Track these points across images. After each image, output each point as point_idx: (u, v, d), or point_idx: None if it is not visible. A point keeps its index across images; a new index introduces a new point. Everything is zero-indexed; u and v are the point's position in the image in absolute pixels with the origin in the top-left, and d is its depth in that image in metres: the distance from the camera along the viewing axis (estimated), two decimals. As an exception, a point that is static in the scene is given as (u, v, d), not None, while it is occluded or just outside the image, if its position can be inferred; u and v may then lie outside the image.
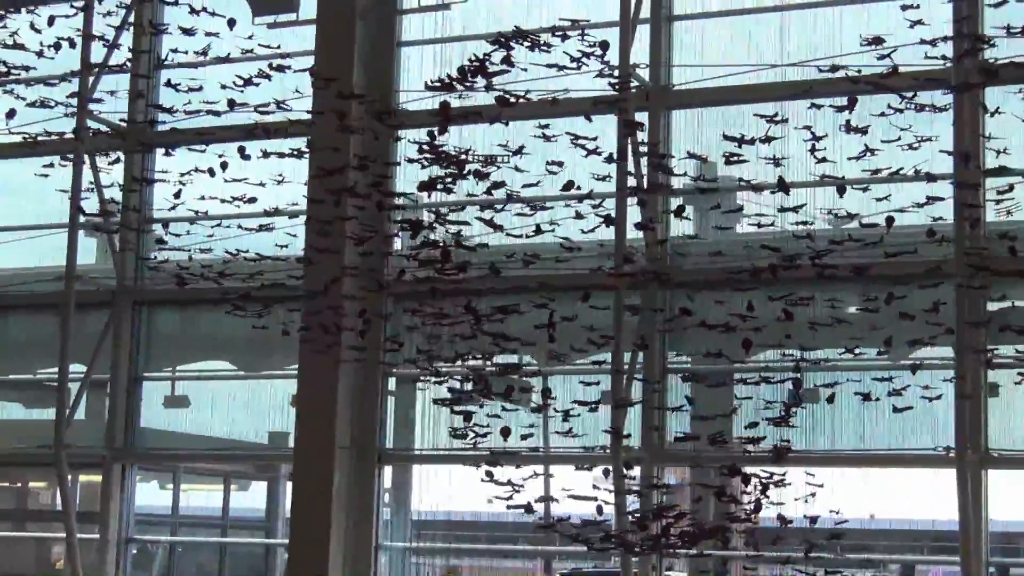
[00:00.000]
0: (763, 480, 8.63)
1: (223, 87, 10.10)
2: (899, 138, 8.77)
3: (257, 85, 10.01)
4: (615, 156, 9.09)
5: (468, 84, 8.99)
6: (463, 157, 8.87)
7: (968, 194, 8.71)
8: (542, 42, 9.22)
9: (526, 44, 9.12)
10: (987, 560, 9.18)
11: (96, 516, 11.13)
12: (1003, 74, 8.73)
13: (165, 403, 11.43)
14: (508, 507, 8.82)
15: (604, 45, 9.15)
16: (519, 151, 9.03)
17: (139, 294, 11.01)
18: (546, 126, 9.18)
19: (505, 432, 8.66)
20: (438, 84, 9.00)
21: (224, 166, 9.80)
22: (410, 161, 9.22)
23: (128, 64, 11.10)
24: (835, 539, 8.73)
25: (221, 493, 13.52)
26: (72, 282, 10.81)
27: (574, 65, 9.32)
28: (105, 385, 11.28)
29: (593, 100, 9.23)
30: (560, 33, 9.30)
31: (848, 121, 8.79)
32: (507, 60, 8.88)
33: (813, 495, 8.60)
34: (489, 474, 8.78)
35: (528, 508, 8.66)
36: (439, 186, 8.94)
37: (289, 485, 12.07)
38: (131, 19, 11.19)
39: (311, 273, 9.39)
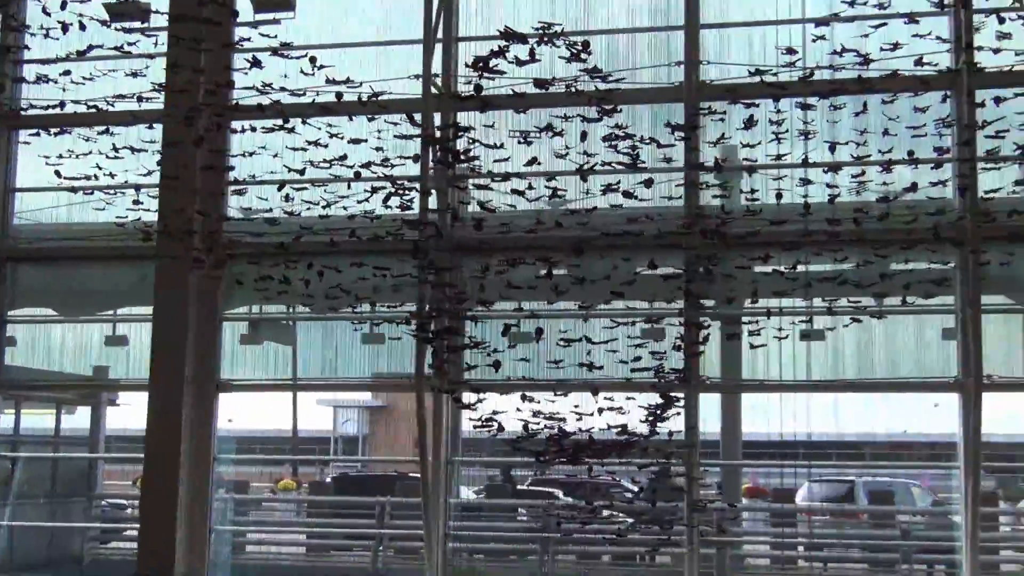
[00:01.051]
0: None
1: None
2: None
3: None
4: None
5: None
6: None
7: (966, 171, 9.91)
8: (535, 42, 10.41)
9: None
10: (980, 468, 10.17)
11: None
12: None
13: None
14: (475, 427, 10.48)
15: (585, 44, 10.41)
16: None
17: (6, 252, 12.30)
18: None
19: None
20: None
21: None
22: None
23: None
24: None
25: (53, 416, 15.14)
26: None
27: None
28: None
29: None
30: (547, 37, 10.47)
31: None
32: (532, 53, 10.29)
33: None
34: (457, 400, 10.58)
35: (500, 427, 10.27)
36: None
37: (109, 410, 14.01)
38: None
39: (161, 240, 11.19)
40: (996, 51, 10.19)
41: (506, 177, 10.73)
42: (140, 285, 12.05)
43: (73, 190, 11.97)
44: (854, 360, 10.83)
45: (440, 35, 11.27)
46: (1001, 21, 10.15)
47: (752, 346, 10.52)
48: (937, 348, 10.71)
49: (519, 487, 18.08)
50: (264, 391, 12.69)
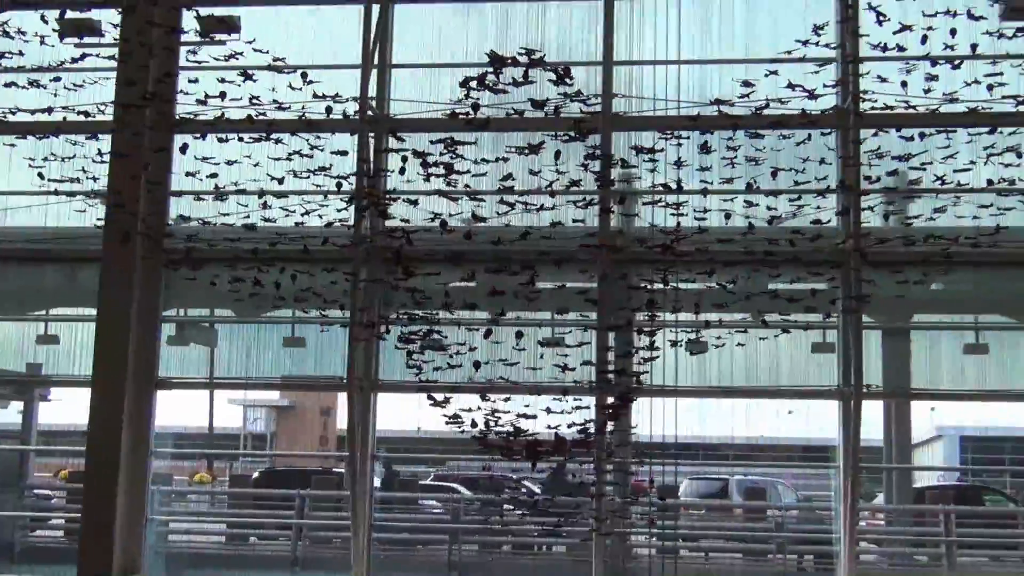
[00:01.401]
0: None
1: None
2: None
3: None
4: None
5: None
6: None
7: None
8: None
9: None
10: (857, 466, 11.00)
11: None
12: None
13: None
14: (446, 423, 10.89)
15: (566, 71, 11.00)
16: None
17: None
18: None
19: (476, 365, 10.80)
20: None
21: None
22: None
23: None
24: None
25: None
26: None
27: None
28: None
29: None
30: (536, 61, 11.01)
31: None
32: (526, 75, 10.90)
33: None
34: (431, 398, 10.86)
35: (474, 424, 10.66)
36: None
37: (40, 405, 14.55)
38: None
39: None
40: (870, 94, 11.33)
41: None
42: (69, 286, 12.89)
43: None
44: (742, 370, 11.82)
45: (375, 60, 12.13)
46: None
47: (644, 360, 11.20)
48: (808, 360, 11.81)
49: (421, 482, 19.11)
50: (199, 389, 13.45)
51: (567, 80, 11.15)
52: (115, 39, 12.29)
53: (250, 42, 12.12)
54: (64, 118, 12.33)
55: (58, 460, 17.16)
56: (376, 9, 12.15)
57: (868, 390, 11.38)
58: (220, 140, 12.14)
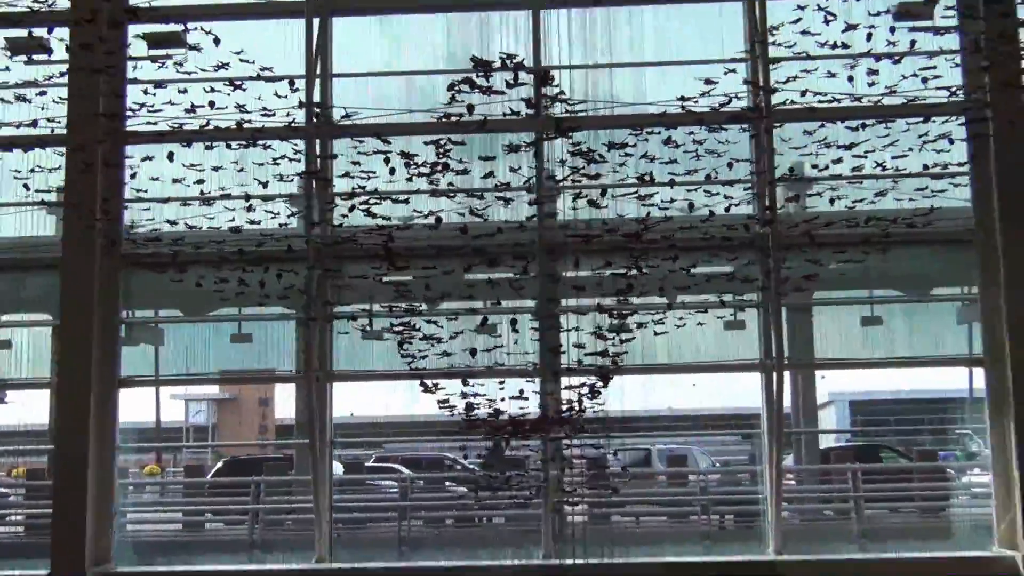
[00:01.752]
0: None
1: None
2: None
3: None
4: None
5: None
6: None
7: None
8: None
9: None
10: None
11: None
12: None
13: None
14: (440, 407, 11.91)
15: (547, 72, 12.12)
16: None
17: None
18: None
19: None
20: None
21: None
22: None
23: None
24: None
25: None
26: None
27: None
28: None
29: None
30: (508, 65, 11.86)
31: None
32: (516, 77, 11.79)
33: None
34: (424, 385, 11.88)
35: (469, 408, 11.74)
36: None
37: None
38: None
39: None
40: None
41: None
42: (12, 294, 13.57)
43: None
44: (665, 347, 12.72)
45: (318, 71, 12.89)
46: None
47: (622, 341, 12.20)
48: (723, 335, 12.78)
49: (366, 464, 20.00)
50: (165, 386, 14.19)
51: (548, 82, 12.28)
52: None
53: (193, 47, 12.85)
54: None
55: (8, 460, 17.52)
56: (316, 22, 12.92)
57: (788, 362, 12.57)
58: (170, 155, 12.74)
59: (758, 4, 12.65)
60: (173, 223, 12.84)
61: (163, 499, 18.51)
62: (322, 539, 12.55)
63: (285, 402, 24.64)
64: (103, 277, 12.62)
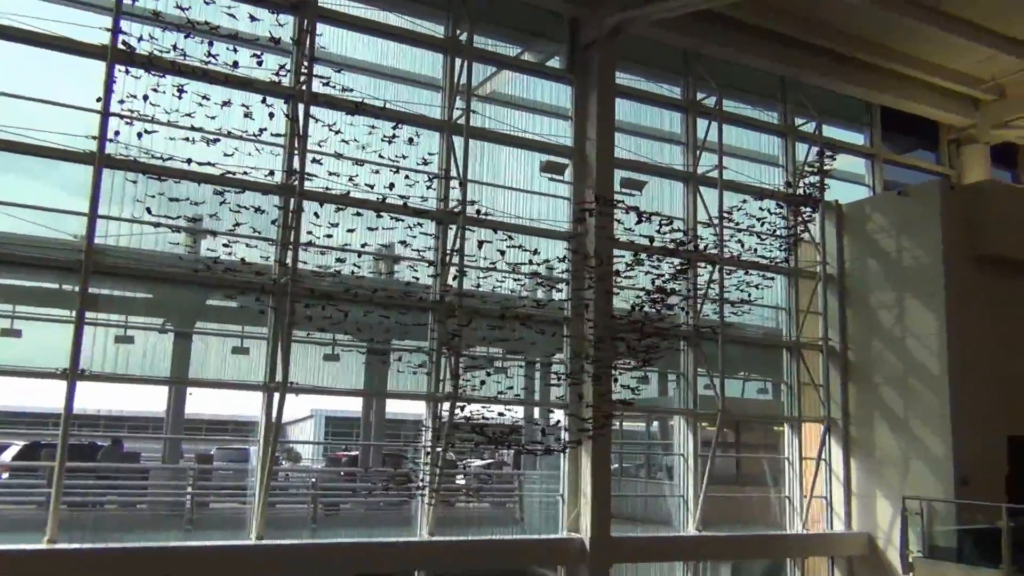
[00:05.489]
0: None
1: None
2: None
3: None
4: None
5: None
6: None
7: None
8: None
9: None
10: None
11: None
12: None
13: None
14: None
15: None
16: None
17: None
18: None
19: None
20: None
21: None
22: None
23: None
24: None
25: None
26: None
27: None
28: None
29: None
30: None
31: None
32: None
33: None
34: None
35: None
36: None
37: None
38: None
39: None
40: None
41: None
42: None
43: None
44: (183, 364, 14.82)
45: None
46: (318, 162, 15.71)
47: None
48: (236, 360, 14.83)
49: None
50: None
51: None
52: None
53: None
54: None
55: None
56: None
57: (293, 385, 14.86)
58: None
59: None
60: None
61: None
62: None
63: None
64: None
